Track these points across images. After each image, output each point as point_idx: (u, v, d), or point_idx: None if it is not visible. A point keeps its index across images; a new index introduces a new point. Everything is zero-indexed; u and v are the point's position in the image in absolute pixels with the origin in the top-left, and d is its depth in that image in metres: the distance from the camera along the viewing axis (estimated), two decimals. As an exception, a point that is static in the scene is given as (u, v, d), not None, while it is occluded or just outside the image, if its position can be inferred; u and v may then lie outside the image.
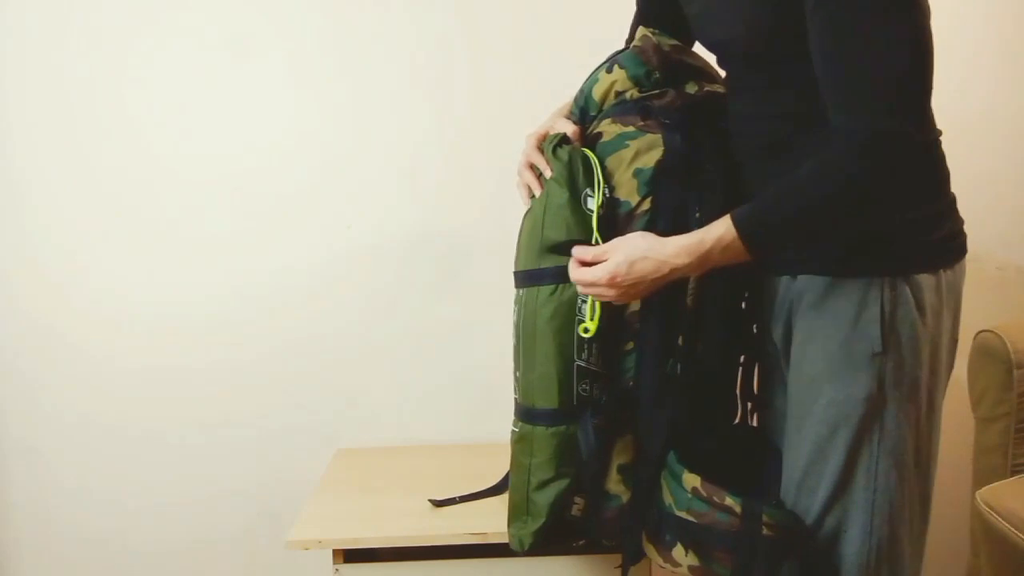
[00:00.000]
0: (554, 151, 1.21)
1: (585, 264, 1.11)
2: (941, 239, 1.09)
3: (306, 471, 1.82)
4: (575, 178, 1.19)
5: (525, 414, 1.25)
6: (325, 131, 1.78)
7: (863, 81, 0.96)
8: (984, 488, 1.63)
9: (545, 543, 1.26)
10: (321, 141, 1.78)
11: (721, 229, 1.03)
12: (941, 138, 1.09)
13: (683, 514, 1.14)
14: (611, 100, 1.24)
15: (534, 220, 1.22)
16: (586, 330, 1.16)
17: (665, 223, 1.15)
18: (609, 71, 1.24)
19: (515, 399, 1.27)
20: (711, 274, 1.14)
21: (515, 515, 1.28)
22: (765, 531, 1.09)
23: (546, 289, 1.19)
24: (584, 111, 1.27)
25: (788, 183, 1.02)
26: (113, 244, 1.79)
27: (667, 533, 1.17)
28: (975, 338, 1.71)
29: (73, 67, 1.75)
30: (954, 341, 1.15)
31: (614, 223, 1.17)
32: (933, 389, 1.11)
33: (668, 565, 1.18)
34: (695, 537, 1.13)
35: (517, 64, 1.76)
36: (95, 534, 1.87)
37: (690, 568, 1.14)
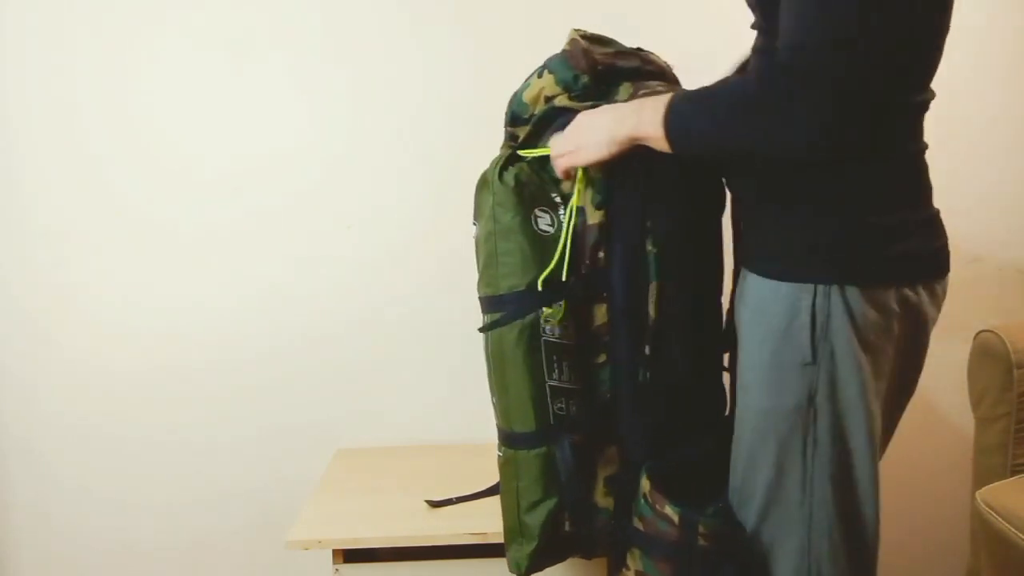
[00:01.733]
0: (500, 175, 1.20)
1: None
2: (901, 255, 1.00)
3: (306, 471, 1.82)
4: (524, 201, 1.18)
5: (506, 439, 1.25)
6: (325, 132, 1.78)
7: (811, 19, 0.89)
8: (984, 488, 1.63)
9: (542, 563, 1.26)
10: (321, 142, 1.78)
11: (663, 99, 1.04)
12: (928, 149, 1.04)
13: (636, 521, 1.15)
14: (541, 105, 1.23)
15: (488, 247, 1.21)
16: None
17: (619, 232, 1.16)
18: (540, 76, 1.23)
19: (497, 425, 1.26)
20: (673, 276, 1.15)
21: (511, 538, 1.27)
22: (701, 541, 1.08)
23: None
24: (516, 115, 1.27)
25: (716, 85, 1.03)
26: (113, 245, 1.79)
27: (630, 540, 1.17)
28: (975, 338, 1.71)
29: (73, 69, 1.74)
30: (914, 368, 1.10)
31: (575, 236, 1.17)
32: (873, 413, 1.03)
33: (632, 572, 1.18)
34: (642, 545, 1.14)
35: (518, 64, 1.76)
36: (95, 534, 1.87)
37: (636, 574, 1.15)
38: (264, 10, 1.74)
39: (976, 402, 1.72)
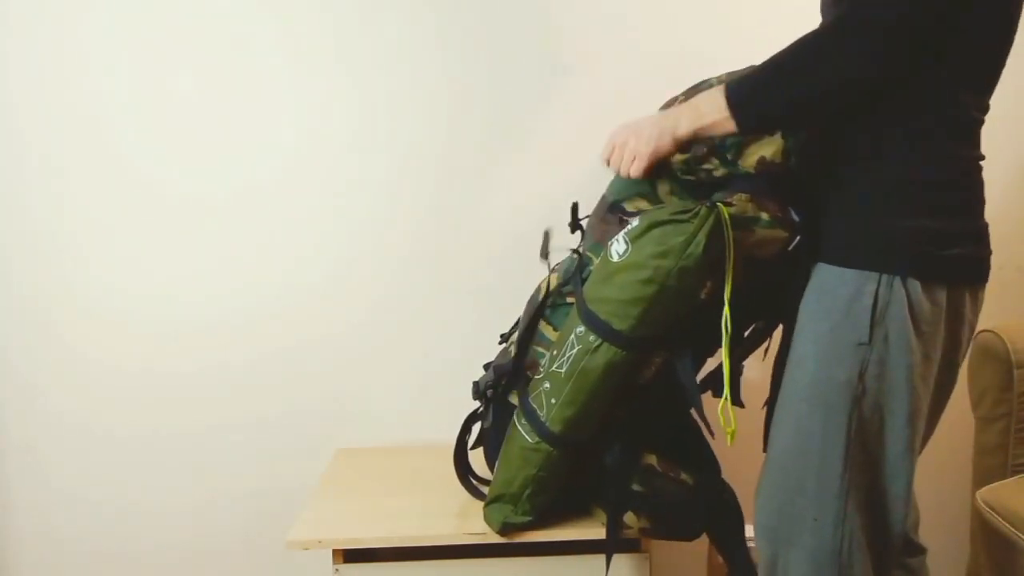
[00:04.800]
0: (707, 245, 1.11)
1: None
2: (954, 258, 1.09)
3: (306, 471, 1.82)
4: (707, 272, 1.13)
5: (550, 437, 1.27)
6: (323, 136, 1.78)
7: None
8: (984, 488, 1.63)
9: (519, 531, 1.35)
10: (320, 145, 1.78)
11: (715, 88, 1.12)
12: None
13: (636, 486, 1.31)
14: (751, 160, 1.17)
15: (646, 291, 1.14)
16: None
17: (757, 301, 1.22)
18: (770, 134, 1.16)
19: (539, 414, 1.27)
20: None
21: (504, 501, 1.34)
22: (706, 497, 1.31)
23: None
24: (721, 148, 1.18)
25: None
26: (114, 246, 1.80)
27: (630, 503, 1.34)
28: (975, 338, 1.70)
29: (78, 70, 1.75)
30: (953, 364, 1.16)
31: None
32: (919, 396, 1.11)
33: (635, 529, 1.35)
34: (646, 505, 1.32)
35: (518, 67, 1.76)
36: (95, 534, 1.87)
37: (640, 530, 1.33)
38: (265, 16, 1.74)
39: (976, 402, 1.72)
